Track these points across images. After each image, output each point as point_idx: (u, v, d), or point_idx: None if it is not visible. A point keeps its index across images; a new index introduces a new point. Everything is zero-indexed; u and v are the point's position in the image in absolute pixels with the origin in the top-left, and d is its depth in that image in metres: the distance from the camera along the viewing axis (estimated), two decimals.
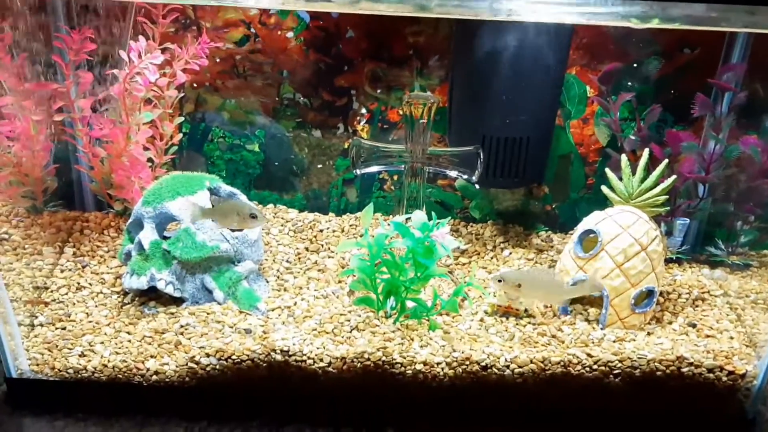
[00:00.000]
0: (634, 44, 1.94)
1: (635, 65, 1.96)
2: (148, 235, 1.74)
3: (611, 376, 1.61)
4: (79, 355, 1.63)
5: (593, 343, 1.67)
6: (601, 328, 1.73)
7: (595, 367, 1.60)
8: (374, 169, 1.87)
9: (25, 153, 1.93)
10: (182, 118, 2.07)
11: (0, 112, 1.88)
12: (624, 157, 1.78)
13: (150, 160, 1.99)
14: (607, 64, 1.92)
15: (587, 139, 2.08)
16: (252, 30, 2.02)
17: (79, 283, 1.84)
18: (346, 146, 2.15)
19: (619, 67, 1.91)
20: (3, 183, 1.95)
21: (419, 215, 1.68)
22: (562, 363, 1.60)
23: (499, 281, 1.68)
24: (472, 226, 2.17)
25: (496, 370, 1.60)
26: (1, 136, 1.89)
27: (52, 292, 1.81)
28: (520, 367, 1.60)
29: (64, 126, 1.97)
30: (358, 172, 1.86)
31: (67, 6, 1.88)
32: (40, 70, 1.90)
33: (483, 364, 1.60)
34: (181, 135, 2.07)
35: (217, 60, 2.04)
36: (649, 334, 1.73)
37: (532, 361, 1.60)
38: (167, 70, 1.91)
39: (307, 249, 2.04)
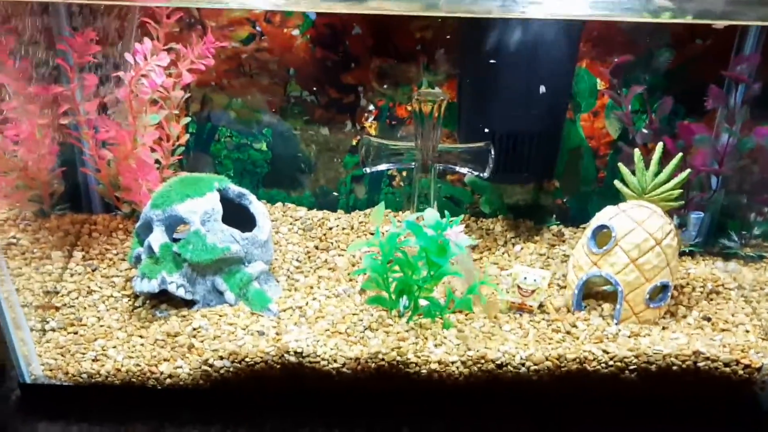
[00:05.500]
0: (644, 36, 1.91)
1: (646, 57, 1.93)
2: (158, 238, 1.72)
3: (627, 371, 1.60)
4: (92, 360, 1.62)
5: (608, 338, 1.66)
6: (616, 324, 1.72)
7: (611, 363, 1.59)
8: (384, 167, 1.85)
9: (31, 157, 1.91)
10: (189, 119, 2.05)
11: (5, 116, 1.86)
12: (637, 151, 1.76)
13: (157, 161, 1.97)
14: (618, 56, 1.90)
15: (598, 132, 2.06)
16: (257, 28, 2.00)
17: (89, 287, 1.83)
18: (354, 143, 2.13)
19: (630, 60, 1.89)
20: (9, 187, 1.93)
21: (431, 213, 1.67)
22: (577, 360, 1.59)
23: None
24: (482, 221, 2.15)
25: (512, 368, 1.59)
26: (7, 140, 1.87)
27: (62, 296, 1.80)
28: (535, 364, 1.59)
29: (70, 129, 1.96)
30: (368, 170, 1.84)
31: (69, 8, 1.86)
32: (44, 73, 1.88)
33: (498, 362, 1.59)
34: (187, 135, 2.05)
35: (222, 57, 2.01)
36: (664, 328, 1.72)
37: (547, 359, 1.59)
38: (172, 71, 1.89)
39: (317, 247, 2.03)
